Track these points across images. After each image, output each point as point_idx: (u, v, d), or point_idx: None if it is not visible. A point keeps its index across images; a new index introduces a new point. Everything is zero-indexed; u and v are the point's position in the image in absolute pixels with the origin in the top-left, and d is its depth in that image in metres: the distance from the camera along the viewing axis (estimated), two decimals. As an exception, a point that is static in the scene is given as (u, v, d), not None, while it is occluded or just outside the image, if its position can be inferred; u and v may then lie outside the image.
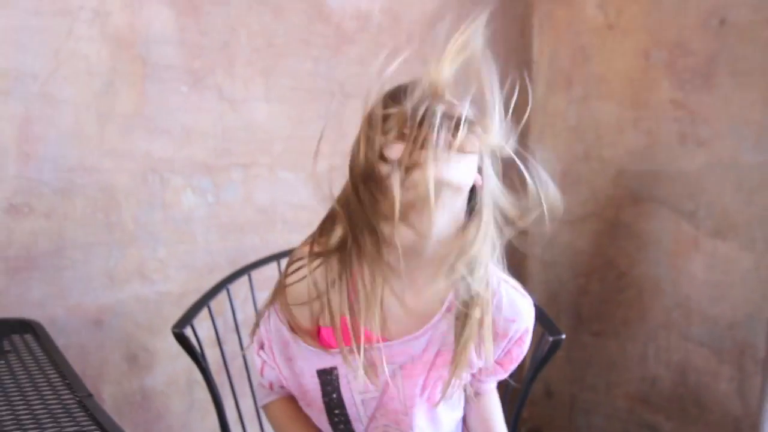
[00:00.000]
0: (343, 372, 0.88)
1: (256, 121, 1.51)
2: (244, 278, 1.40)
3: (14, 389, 0.84)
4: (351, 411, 0.91)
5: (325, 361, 0.89)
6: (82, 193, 1.27)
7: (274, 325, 0.92)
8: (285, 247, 1.49)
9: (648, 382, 2.05)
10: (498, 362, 0.93)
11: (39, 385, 0.85)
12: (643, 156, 2.00)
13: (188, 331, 1.22)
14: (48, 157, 1.22)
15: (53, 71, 1.21)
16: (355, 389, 0.89)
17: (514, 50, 2.17)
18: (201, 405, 1.49)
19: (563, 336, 1.17)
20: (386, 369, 0.86)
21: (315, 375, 0.90)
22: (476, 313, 0.84)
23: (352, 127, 1.80)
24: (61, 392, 0.83)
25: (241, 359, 1.38)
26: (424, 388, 0.88)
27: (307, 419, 0.97)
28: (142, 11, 1.31)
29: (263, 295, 1.52)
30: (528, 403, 1.27)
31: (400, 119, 0.75)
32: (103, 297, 1.32)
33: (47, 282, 1.24)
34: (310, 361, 0.90)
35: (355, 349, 0.83)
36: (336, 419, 0.92)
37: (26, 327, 1.12)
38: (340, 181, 1.73)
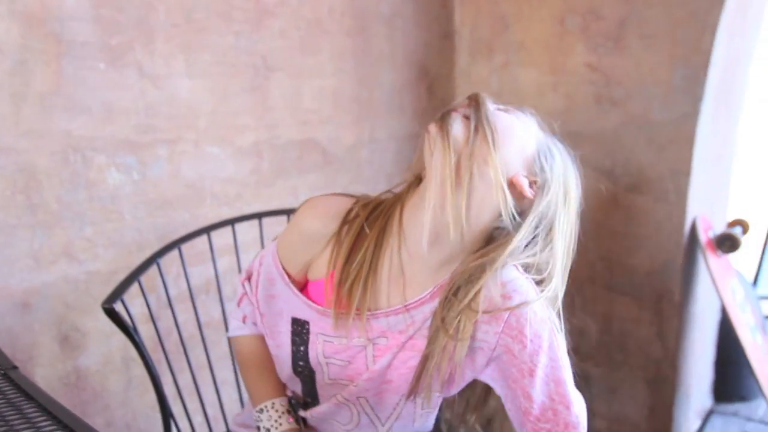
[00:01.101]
0: (315, 330, 0.91)
1: (178, 97, 1.51)
2: (175, 254, 1.41)
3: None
4: (315, 368, 0.93)
5: (303, 312, 0.91)
6: (1, 174, 1.24)
7: (268, 260, 0.95)
8: (215, 221, 1.50)
9: (576, 334, 2.15)
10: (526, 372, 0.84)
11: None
12: (563, 118, 2.06)
13: (119, 307, 1.23)
14: (-40, 138, 1.19)
15: (-41, 50, 1.18)
16: (320, 351, 0.91)
17: (437, 21, 2.22)
18: (139, 382, 1.49)
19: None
20: (360, 340, 0.89)
21: (290, 322, 0.92)
22: (463, 298, 0.83)
23: (276, 101, 1.82)
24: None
25: (176, 335, 1.39)
26: (389, 367, 0.88)
27: (271, 364, 1.00)
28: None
29: (195, 270, 1.54)
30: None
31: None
32: (29, 279, 1.30)
33: (-32, 266, 1.22)
34: (289, 304, 0.93)
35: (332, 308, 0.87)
36: (300, 369, 0.94)
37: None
38: (267, 153, 1.74)
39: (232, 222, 1.49)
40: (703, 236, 1.90)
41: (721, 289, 1.88)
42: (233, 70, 1.61)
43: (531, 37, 2.11)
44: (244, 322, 1.03)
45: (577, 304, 2.13)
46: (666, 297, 1.94)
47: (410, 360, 0.88)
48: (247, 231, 1.53)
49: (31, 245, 1.30)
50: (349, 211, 0.89)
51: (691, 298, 1.99)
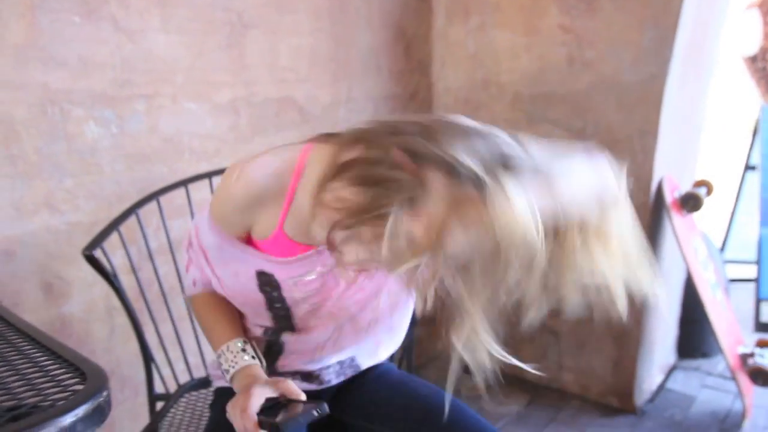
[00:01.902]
0: (282, 276, 0.94)
1: (155, 52, 1.53)
2: (155, 207, 1.45)
3: None
4: (291, 305, 0.97)
5: (265, 266, 0.94)
6: (-21, 125, 1.27)
7: (205, 231, 0.96)
8: (192, 174, 1.54)
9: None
10: None
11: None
12: (537, 79, 2.12)
13: (100, 255, 1.27)
14: (-62, 89, 1.21)
15: (-66, 1, 1.19)
16: (294, 291, 0.95)
17: (415, -18, 2.23)
18: (122, 330, 1.54)
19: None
20: (326, 267, 0.93)
21: (254, 276, 0.95)
22: None
23: (252, 58, 1.84)
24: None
25: (158, 286, 1.44)
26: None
27: (222, 312, 1.03)
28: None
29: (175, 223, 1.58)
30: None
31: None
32: (11, 228, 1.33)
33: (-50, 214, 1.25)
34: (247, 264, 0.94)
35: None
36: (276, 310, 0.98)
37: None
38: (244, 110, 1.77)
39: (209, 175, 1.53)
40: (669, 196, 1.97)
41: (683, 247, 1.95)
42: (209, 26, 1.63)
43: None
44: (194, 285, 1.06)
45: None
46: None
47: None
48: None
49: (11, 195, 1.33)
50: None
51: (657, 257, 2.07)
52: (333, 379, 1.08)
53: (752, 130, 2.89)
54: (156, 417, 1.28)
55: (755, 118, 2.87)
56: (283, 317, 1.00)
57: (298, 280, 0.95)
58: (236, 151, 1.73)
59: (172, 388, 1.44)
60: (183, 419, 1.29)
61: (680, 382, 2.31)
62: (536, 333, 2.28)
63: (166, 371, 1.47)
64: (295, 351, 1.03)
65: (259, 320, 1.03)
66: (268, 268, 0.94)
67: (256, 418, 0.82)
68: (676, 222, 1.96)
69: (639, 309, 2.03)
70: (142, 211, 1.41)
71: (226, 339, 0.99)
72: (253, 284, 0.96)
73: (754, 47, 2.78)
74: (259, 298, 0.97)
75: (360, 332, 1.03)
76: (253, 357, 0.97)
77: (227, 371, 0.96)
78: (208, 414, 1.17)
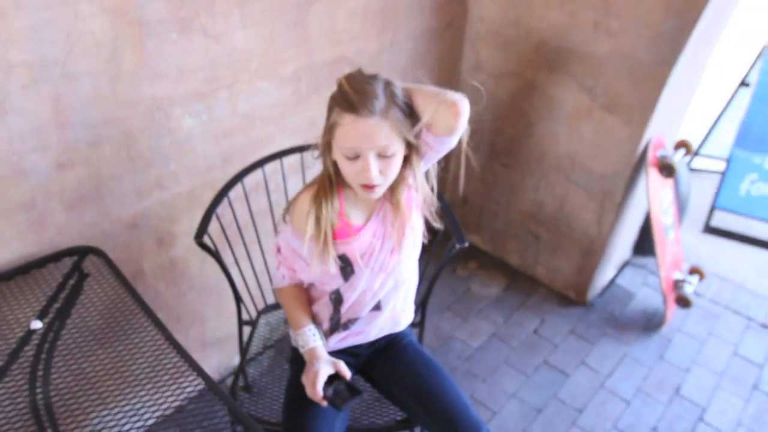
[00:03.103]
0: (351, 255, 1.40)
1: (236, 47, 1.76)
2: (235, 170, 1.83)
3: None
4: (356, 263, 1.42)
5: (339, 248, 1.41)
6: (108, 140, 1.59)
7: (289, 240, 1.45)
8: (264, 139, 1.90)
9: (537, 205, 2.71)
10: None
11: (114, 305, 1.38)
12: (563, 34, 2.31)
13: (211, 231, 1.69)
14: (78, 121, 1.51)
15: (69, 53, 1.43)
16: (360, 257, 1.41)
17: None
18: (211, 261, 2.03)
19: (467, 243, 1.72)
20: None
21: (337, 259, 1.40)
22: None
23: (314, 30, 2.06)
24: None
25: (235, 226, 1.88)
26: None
27: (303, 298, 1.54)
28: (133, -20, 1.46)
29: (248, 179, 1.96)
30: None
31: None
32: (135, 207, 1.74)
33: (96, 209, 1.65)
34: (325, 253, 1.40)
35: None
36: (345, 270, 1.44)
37: (93, 251, 1.59)
38: (305, 76, 2.03)
39: (280, 155, 1.88)
40: (652, 155, 2.34)
41: (651, 196, 2.39)
42: (279, 12, 1.82)
43: (551, -52, 2.21)
44: (284, 279, 1.53)
45: (542, 184, 2.64)
46: (609, 196, 2.45)
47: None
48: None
49: (133, 184, 1.71)
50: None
51: (629, 200, 2.51)
52: (372, 334, 1.58)
53: (758, 52, 3.08)
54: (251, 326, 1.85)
55: (764, 42, 3.04)
56: (348, 272, 1.44)
57: (365, 251, 1.42)
58: (296, 111, 2.03)
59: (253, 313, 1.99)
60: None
61: (628, 279, 2.93)
62: (521, 233, 2.81)
63: (240, 283, 1.99)
64: (350, 299, 1.52)
65: (333, 284, 1.49)
66: (341, 248, 1.41)
67: (322, 393, 1.35)
68: (651, 177, 2.37)
69: (605, 235, 2.53)
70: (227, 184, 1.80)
71: (304, 324, 1.50)
72: (335, 264, 1.40)
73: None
74: (336, 270, 1.42)
75: (391, 288, 1.50)
76: (319, 339, 1.47)
77: (303, 347, 1.46)
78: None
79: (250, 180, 1.89)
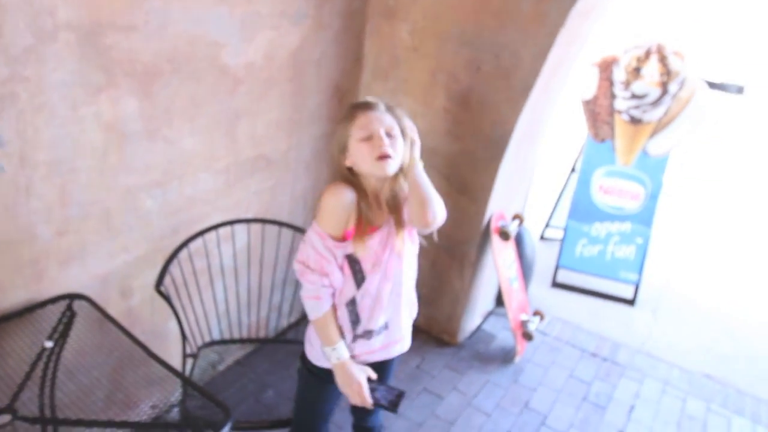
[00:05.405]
0: (362, 255, 1.76)
1: (185, 150, 2.43)
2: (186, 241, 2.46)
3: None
4: (367, 268, 1.78)
5: (347, 249, 1.76)
6: (93, 216, 2.20)
7: (317, 242, 1.75)
8: (203, 215, 2.55)
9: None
10: None
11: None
12: (426, 137, 3.11)
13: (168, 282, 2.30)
14: (74, 201, 2.12)
15: (74, 154, 2.06)
16: (366, 258, 1.77)
17: (352, 48, 3.10)
18: (159, 309, 2.61)
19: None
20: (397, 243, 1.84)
21: (345, 258, 1.77)
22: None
23: (240, 136, 2.73)
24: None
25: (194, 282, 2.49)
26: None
27: (333, 318, 1.81)
28: (119, 105, 2.13)
29: (194, 246, 2.59)
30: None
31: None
32: (107, 265, 2.33)
33: (80, 267, 2.23)
34: (341, 250, 1.76)
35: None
36: (357, 276, 1.79)
37: (81, 297, 2.15)
38: (232, 168, 2.69)
39: (215, 227, 2.53)
40: (494, 225, 3.17)
41: (496, 257, 3.20)
42: (217, 124, 2.53)
43: (413, 78, 3.08)
44: (319, 288, 1.76)
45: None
46: (467, 257, 3.24)
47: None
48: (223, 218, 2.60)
49: (107, 248, 2.30)
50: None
51: (482, 260, 3.32)
52: (378, 349, 1.91)
53: (580, 148, 4.13)
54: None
55: (583, 142, 4.09)
56: (360, 279, 1.79)
57: (375, 248, 1.78)
58: (227, 195, 2.71)
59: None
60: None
61: (491, 324, 3.71)
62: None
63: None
64: (364, 308, 1.82)
65: (349, 292, 1.81)
66: (350, 249, 1.76)
67: (371, 399, 1.80)
68: (494, 242, 3.19)
69: (467, 286, 3.30)
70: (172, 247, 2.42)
71: (337, 340, 1.81)
72: (346, 265, 1.78)
73: (590, 94, 3.91)
74: (348, 272, 1.79)
75: (395, 297, 1.87)
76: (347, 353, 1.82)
77: (337, 359, 1.79)
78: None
79: (193, 245, 2.53)
